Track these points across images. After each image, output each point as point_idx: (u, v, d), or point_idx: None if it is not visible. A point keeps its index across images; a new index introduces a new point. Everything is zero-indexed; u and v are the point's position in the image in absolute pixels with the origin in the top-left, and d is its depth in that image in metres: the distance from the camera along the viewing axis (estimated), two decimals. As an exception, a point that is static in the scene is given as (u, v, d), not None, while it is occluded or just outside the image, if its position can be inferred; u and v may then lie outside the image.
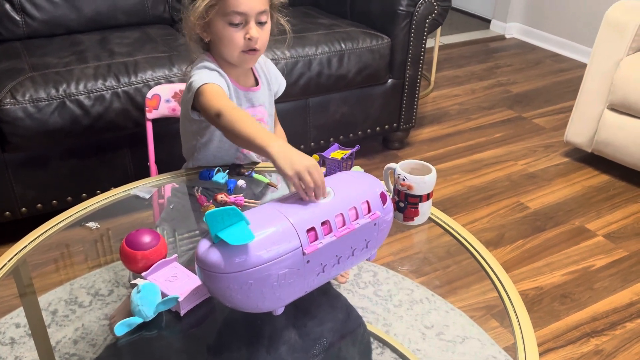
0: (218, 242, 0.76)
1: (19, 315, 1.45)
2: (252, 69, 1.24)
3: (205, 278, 0.78)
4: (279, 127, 1.39)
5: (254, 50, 1.13)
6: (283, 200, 0.86)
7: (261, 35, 1.12)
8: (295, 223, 0.80)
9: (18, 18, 1.90)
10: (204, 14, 1.09)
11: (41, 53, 1.75)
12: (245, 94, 1.21)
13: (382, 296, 1.53)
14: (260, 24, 1.12)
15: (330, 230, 0.83)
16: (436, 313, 1.50)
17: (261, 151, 0.93)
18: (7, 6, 1.88)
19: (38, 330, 1.30)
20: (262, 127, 0.99)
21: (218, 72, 1.15)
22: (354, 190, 0.89)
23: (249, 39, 1.10)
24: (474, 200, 2.02)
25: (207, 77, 1.11)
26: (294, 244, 0.79)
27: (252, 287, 0.77)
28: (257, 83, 1.25)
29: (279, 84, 1.31)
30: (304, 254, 0.79)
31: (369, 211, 0.89)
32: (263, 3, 1.11)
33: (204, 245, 0.77)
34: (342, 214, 0.85)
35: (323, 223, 0.83)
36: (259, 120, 1.24)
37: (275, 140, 0.92)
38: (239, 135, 0.98)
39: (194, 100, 1.11)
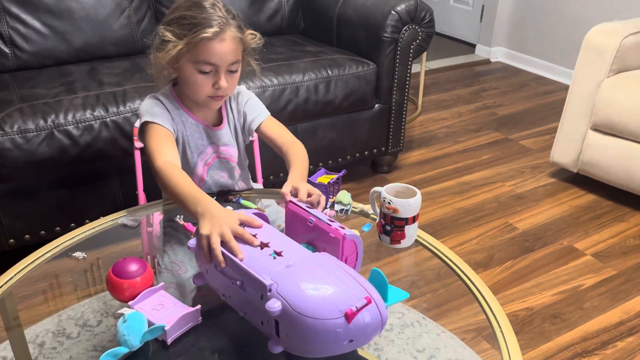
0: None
1: (5, 348, 1.43)
2: (220, 108, 1.22)
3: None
4: (288, 140, 1.22)
5: (222, 96, 1.13)
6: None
7: (230, 83, 1.11)
8: None
9: (7, 51, 1.91)
10: (175, 58, 1.08)
11: (30, 84, 1.76)
12: (208, 131, 1.20)
13: (373, 320, 1.52)
14: (231, 72, 1.11)
15: None
16: (427, 336, 1.49)
17: (191, 213, 0.96)
18: (-3, 39, 1.90)
19: (24, 364, 1.28)
20: (195, 189, 0.99)
21: (165, 107, 1.15)
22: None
23: (217, 88, 1.10)
24: (463, 222, 2.03)
25: (153, 112, 1.13)
26: None
27: None
28: (222, 121, 1.22)
29: (257, 114, 1.24)
30: None
31: None
32: (235, 54, 1.09)
33: (374, 312, 0.76)
34: None
35: None
36: (225, 158, 1.23)
37: (201, 204, 0.93)
38: (173, 194, 1.02)
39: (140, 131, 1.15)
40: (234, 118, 1.23)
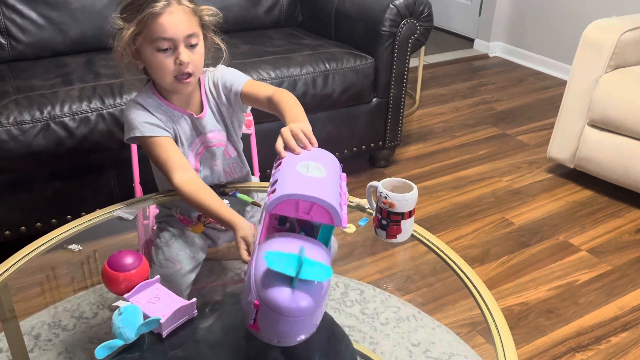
0: (297, 284, 0.71)
1: (0, 340, 1.43)
2: (200, 94, 1.20)
3: (293, 325, 0.73)
4: (277, 95, 1.15)
5: (188, 75, 1.10)
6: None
7: (193, 58, 1.09)
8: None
9: (3, 41, 1.90)
10: (130, 42, 1.07)
11: (26, 76, 1.75)
12: (194, 120, 1.19)
13: (368, 314, 1.53)
14: (192, 46, 1.09)
15: None
16: (423, 330, 1.50)
17: (227, 224, 1.04)
18: (-7, 29, 1.89)
19: (20, 356, 1.28)
20: (217, 205, 1.06)
21: (148, 110, 1.14)
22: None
23: (179, 63, 1.07)
24: (460, 216, 2.04)
25: (141, 125, 1.13)
26: None
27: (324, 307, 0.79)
28: (202, 108, 1.20)
29: (235, 80, 1.19)
30: None
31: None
32: (191, 26, 1.07)
33: (283, 293, 0.71)
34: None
35: None
36: (214, 145, 1.22)
37: (230, 221, 1.03)
38: (199, 209, 1.09)
39: (137, 140, 1.15)
40: (214, 99, 1.21)
